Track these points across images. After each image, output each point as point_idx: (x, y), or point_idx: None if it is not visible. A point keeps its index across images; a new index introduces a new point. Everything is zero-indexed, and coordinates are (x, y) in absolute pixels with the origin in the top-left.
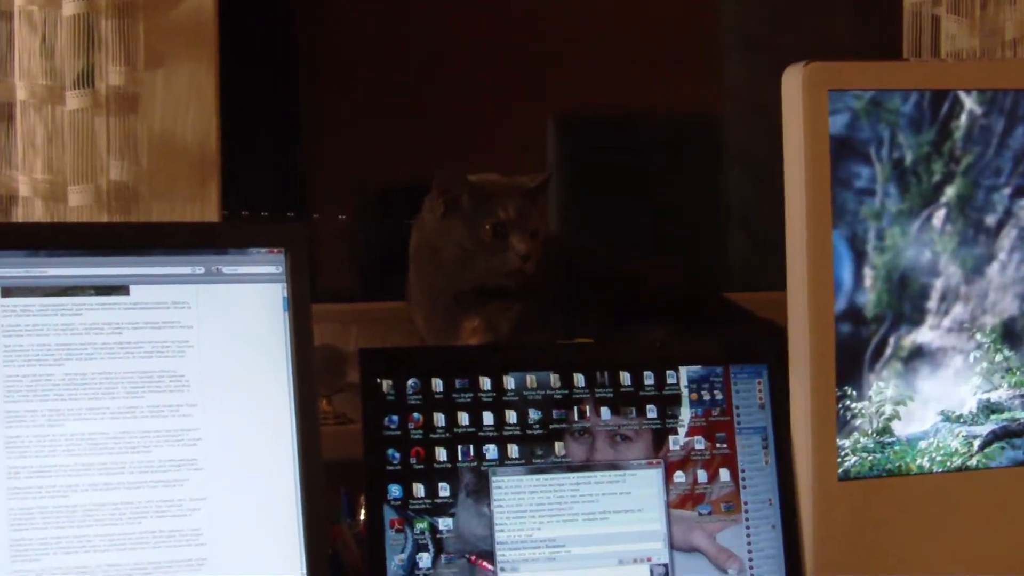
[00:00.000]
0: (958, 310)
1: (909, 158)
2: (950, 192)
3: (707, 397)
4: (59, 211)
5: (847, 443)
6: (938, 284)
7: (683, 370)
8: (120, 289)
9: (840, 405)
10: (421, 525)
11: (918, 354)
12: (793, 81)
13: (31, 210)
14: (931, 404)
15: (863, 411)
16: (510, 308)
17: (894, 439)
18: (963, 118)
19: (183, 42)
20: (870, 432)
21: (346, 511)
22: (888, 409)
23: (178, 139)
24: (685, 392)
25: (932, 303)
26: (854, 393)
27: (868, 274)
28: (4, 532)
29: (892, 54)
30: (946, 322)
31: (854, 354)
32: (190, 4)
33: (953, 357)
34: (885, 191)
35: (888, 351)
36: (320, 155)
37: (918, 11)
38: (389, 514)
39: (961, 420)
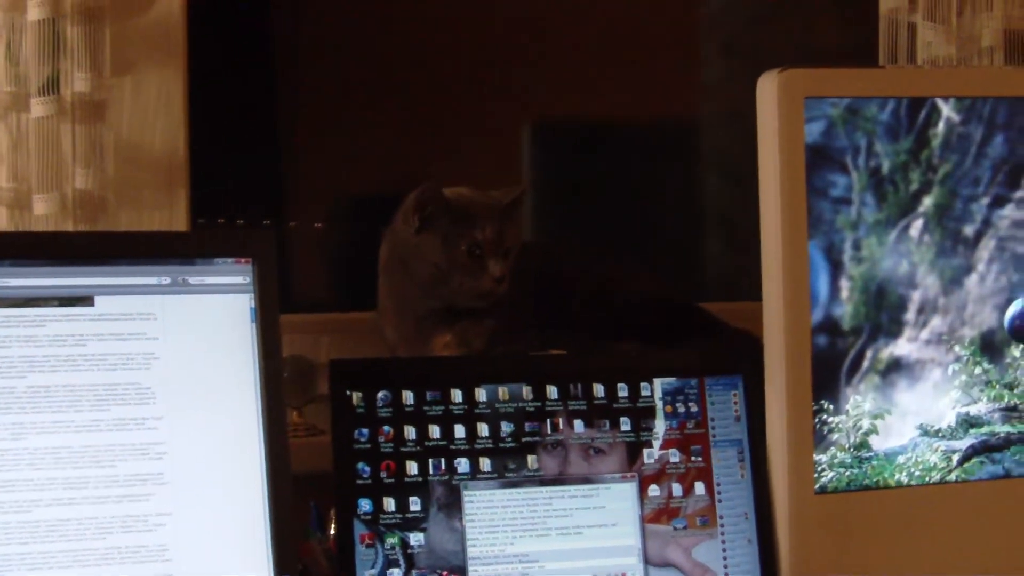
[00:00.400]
0: (936, 322)
1: (886, 167)
2: (928, 202)
3: (682, 409)
4: (24, 220)
5: (824, 458)
6: (916, 296)
7: (657, 382)
8: (84, 300)
9: (817, 419)
10: (392, 540)
11: (896, 367)
12: (768, 88)
13: None
14: (909, 418)
15: (840, 425)
16: (482, 324)
17: (872, 454)
18: (941, 126)
19: (151, 48)
20: (847, 447)
21: (316, 526)
22: (866, 423)
23: (146, 147)
24: (659, 404)
25: (910, 315)
26: (831, 407)
27: (845, 285)
28: None
29: (869, 61)
30: (924, 334)
31: (831, 367)
32: (159, 9)
33: (931, 370)
34: (862, 200)
35: (865, 364)
36: (296, 162)
37: (894, 18)
38: (359, 529)
39: (940, 434)
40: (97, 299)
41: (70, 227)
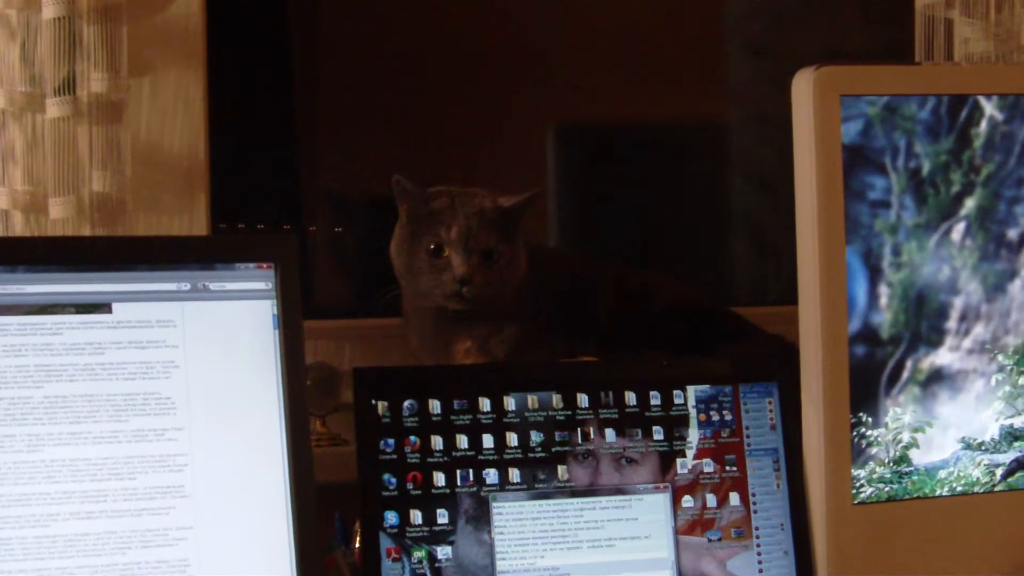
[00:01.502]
0: (979, 330)
1: (926, 168)
2: (970, 204)
3: (716, 417)
4: (40, 224)
5: (862, 473)
6: (958, 303)
7: (691, 389)
8: (102, 307)
9: (855, 433)
10: (419, 554)
11: (937, 377)
12: (803, 86)
13: (10, 223)
14: (951, 431)
15: (879, 439)
16: (503, 330)
17: (912, 468)
18: (983, 125)
19: (170, 47)
20: (887, 461)
21: (340, 539)
22: (906, 436)
23: (165, 149)
24: (693, 412)
25: (951, 323)
26: (869, 420)
27: (883, 292)
28: None
29: (903, 59)
30: (966, 343)
31: (869, 378)
32: (177, 8)
33: (974, 380)
34: (901, 203)
35: (905, 375)
36: (316, 166)
37: (931, 14)
38: (385, 542)
39: (983, 447)
40: (115, 306)
41: (87, 231)
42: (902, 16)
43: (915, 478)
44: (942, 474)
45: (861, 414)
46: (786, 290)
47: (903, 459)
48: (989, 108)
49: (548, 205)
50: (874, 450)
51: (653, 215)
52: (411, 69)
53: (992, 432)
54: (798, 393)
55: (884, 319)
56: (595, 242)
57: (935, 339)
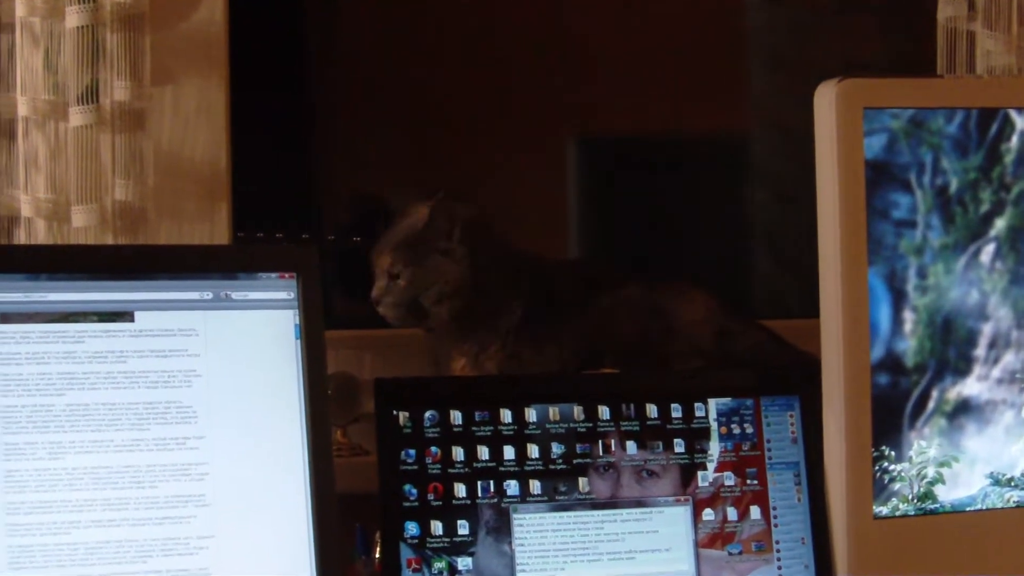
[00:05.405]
0: (1009, 358)
1: (954, 185)
2: (1000, 224)
3: (737, 431)
4: (62, 232)
5: (885, 511)
6: (987, 329)
7: (712, 402)
8: (124, 315)
9: (877, 467)
10: (439, 565)
11: (964, 409)
12: (826, 99)
13: (33, 231)
14: (979, 465)
15: (903, 474)
16: (488, 347)
17: (938, 505)
18: (1014, 140)
19: (192, 56)
20: (911, 498)
21: (361, 549)
22: (931, 472)
23: (187, 157)
24: (714, 425)
25: (980, 350)
26: (892, 454)
27: (908, 317)
28: (3, 571)
29: (925, 73)
30: (996, 372)
31: (893, 409)
32: (200, 17)
33: (1003, 412)
34: (927, 223)
35: (931, 405)
36: (335, 175)
37: (952, 27)
38: (406, 553)
39: (1013, 484)
40: (137, 314)
41: (109, 240)
42: (923, 29)
43: (941, 516)
44: (969, 511)
45: (884, 447)
46: (808, 303)
47: (928, 495)
48: (1020, 122)
49: (568, 217)
50: (897, 486)
51: (674, 228)
52: (431, 80)
53: (1022, 467)
54: (820, 407)
55: (909, 346)
56: (615, 254)
57: (962, 368)
